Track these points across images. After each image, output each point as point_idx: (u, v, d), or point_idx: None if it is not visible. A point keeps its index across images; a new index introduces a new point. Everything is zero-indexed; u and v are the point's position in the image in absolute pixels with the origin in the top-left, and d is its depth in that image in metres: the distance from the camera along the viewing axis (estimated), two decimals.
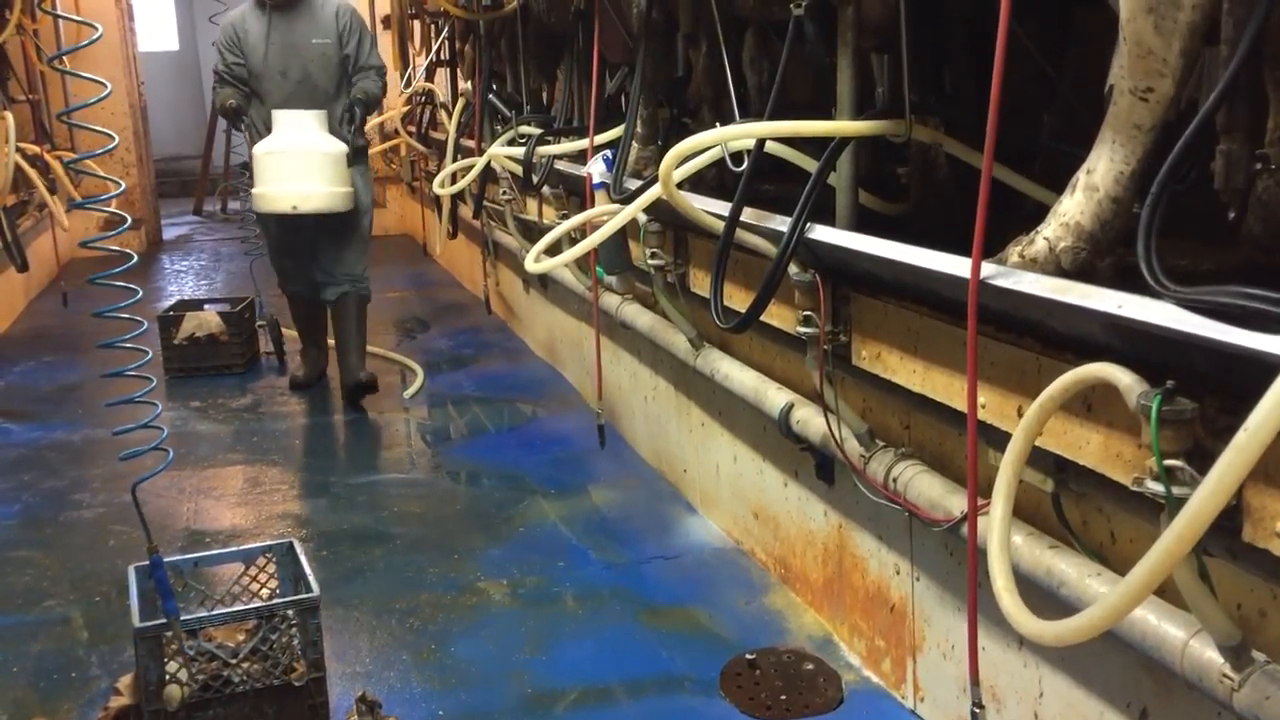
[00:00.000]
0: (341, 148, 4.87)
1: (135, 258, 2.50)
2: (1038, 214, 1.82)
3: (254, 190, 4.88)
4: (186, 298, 6.96)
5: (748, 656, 2.86)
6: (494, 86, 5.54)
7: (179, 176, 13.38)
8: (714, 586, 3.30)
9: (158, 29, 14.41)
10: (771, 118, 2.40)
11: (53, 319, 7.16)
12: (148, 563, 2.48)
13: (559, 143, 4.29)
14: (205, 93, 13.62)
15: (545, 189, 4.44)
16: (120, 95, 9.81)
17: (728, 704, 2.69)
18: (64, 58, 6.47)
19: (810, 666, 2.83)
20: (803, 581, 3.15)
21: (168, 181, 12.74)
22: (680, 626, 3.07)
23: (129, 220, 2.60)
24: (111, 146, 2.51)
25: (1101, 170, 1.67)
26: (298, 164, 4.76)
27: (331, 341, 5.54)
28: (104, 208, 2.62)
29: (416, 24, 7.98)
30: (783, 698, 2.70)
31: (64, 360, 6.19)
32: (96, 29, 2.61)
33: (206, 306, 6.18)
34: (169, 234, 11.11)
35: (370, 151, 5.84)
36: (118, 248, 2.53)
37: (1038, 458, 1.85)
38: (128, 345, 2.45)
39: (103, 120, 9.34)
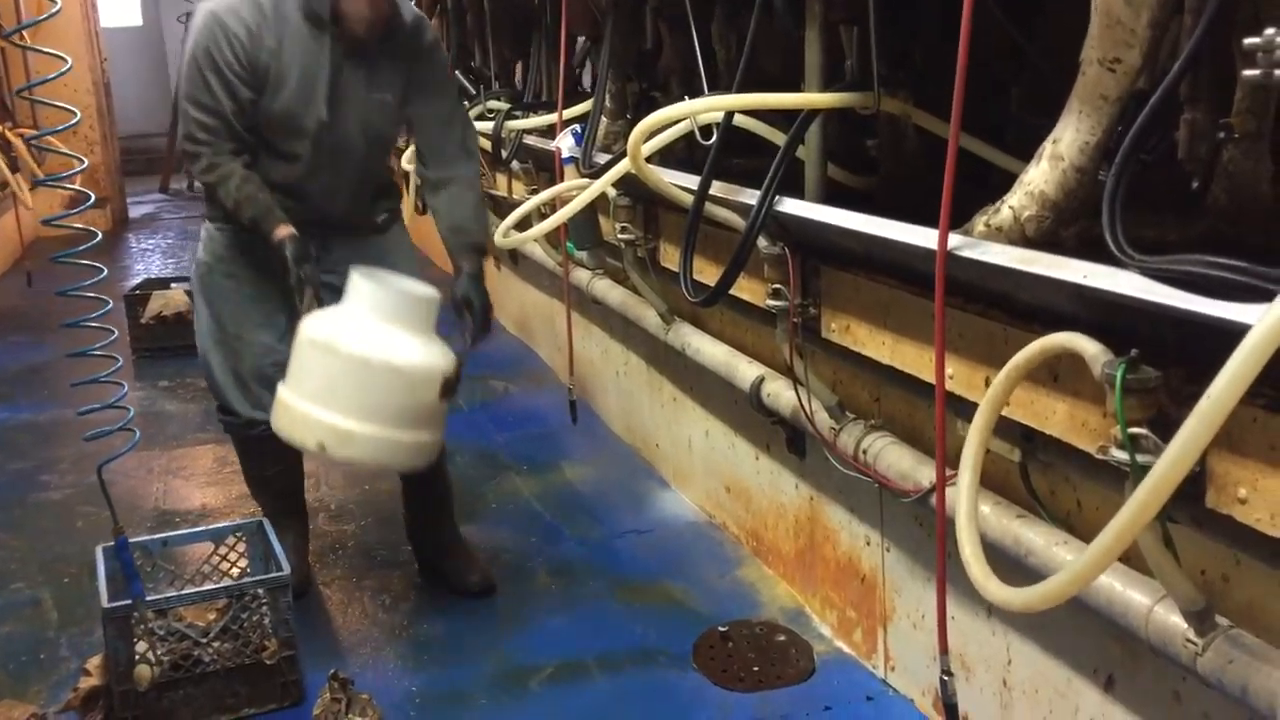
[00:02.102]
0: (449, 362, 2.68)
1: (99, 235, 2.47)
2: (1008, 187, 1.83)
3: (280, 392, 2.61)
4: (153, 276, 6.90)
5: (720, 629, 2.88)
6: (468, 61, 5.48)
7: (145, 154, 13.22)
8: (687, 560, 3.31)
9: (120, 5, 14.19)
10: (740, 91, 2.39)
11: (18, 299, 7.07)
12: (114, 543, 2.47)
13: (528, 117, 4.27)
14: (170, 70, 13.47)
15: (514, 164, 4.42)
16: (83, 72, 9.66)
17: (701, 676, 2.70)
18: (24, 33, 6.37)
19: (782, 638, 2.84)
20: (775, 554, 3.16)
21: (133, 159, 12.58)
22: (654, 600, 3.08)
23: (93, 198, 2.56)
24: (74, 123, 2.47)
25: (1067, 140, 1.68)
26: (365, 384, 2.55)
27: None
28: (68, 185, 2.57)
29: None
30: (755, 669, 2.71)
31: (29, 340, 6.11)
32: (55, 3, 2.57)
33: (174, 285, 6.11)
34: (135, 212, 10.98)
35: None
36: (81, 225, 2.49)
37: (1005, 428, 1.86)
38: (93, 325, 2.42)
39: (64, 97, 9.19)
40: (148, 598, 2.47)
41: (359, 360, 2.54)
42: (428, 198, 3.07)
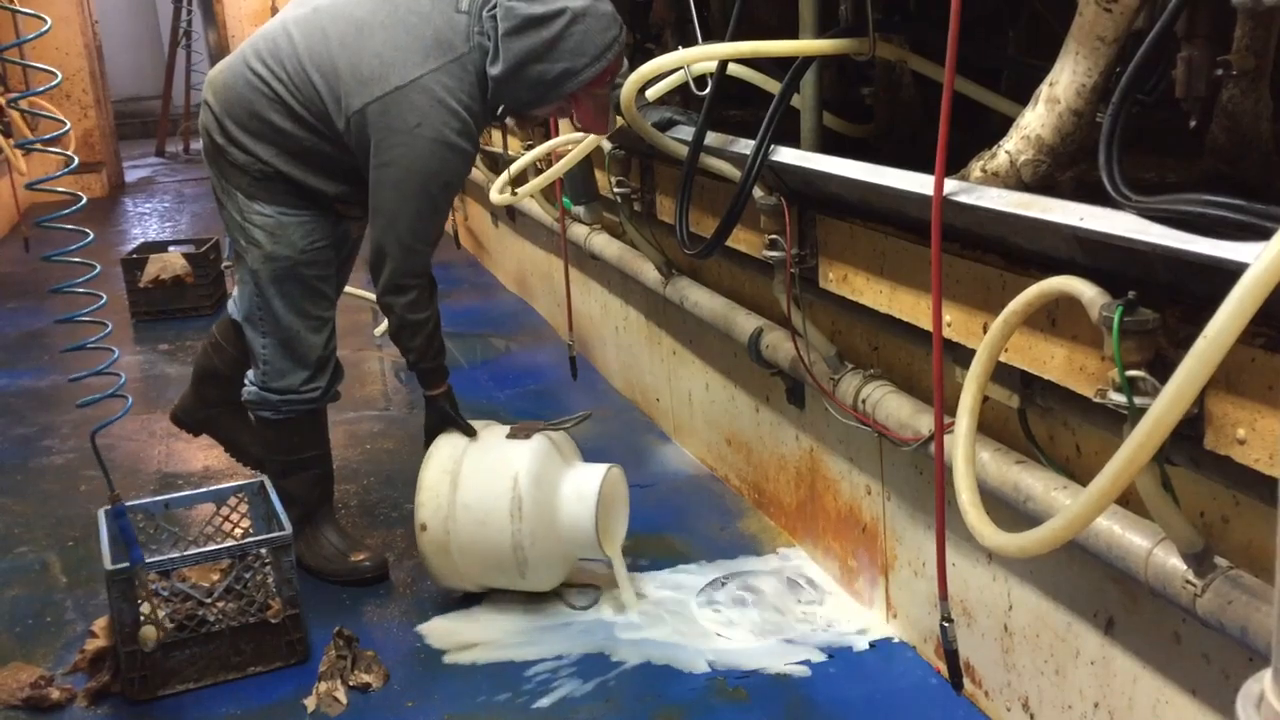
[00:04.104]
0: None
1: (84, 199, 2.45)
2: (1005, 132, 1.81)
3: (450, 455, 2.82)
4: (150, 240, 6.88)
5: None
6: None
7: (139, 118, 13.16)
8: (689, 514, 3.32)
9: None
10: (734, 39, 2.36)
11: (15, 265, 7.06)
12: (112, 510, 2.47)
13: None
14: (162, 31, 13.34)
15: (509, 119, 4.37)
16: (74, 34, 9.60)
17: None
18: None
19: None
20: (776, 505, 3.17)
21: (128, 123, 12.52)
22: (657, 554, 3.09)
23: (76, 161, 2.54)
24: (55, 84, 2.44)
25: (1064, 83, 1.65)
26: (497, 563, 2.76)
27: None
28: (49, 148, 2.55)
29: None
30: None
31: (28, 306, 6.11)
32: None
33: (171, 248, 6.11)
34: (131, 176, 10.94)
35: None
36: (66, 190, 2.47)
37: (1004, 374, 1.85)
38: (80, 290, 2.40)
39: (55, 60, 9.22)
40: (150, 560, 2.48)
41: (510, 549, 2.72)
42: None
